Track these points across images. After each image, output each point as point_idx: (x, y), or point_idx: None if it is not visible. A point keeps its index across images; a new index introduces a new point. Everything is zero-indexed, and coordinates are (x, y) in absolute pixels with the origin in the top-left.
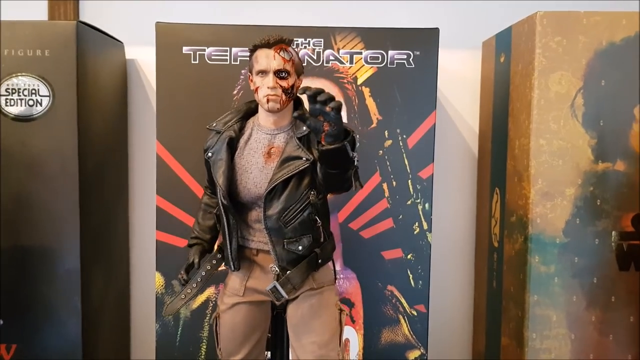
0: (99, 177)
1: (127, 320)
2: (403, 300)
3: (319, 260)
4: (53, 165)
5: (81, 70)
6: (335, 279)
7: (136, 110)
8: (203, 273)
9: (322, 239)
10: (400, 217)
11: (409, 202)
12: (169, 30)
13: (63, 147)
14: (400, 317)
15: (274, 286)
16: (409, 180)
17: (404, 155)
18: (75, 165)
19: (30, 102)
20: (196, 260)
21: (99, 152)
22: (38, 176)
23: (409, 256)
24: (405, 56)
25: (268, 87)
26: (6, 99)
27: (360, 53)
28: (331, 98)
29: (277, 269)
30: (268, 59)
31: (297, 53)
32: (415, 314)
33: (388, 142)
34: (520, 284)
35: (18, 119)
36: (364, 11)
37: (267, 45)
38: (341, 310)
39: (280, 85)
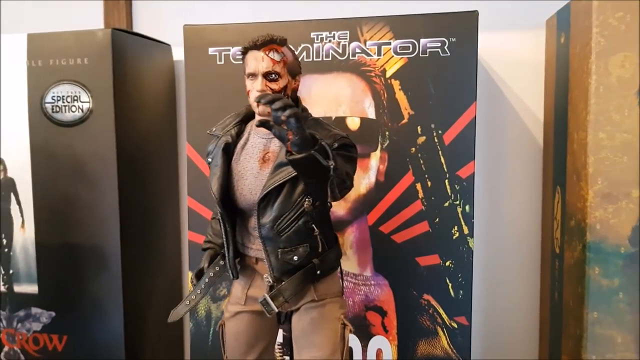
0: (142, 178)
1: (181, 319)
2: (441, 311)
3: (318, 272)
4: (94, 167)
5: (118, 76)
6: (343, 290)
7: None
8: (206, 280)
9: (320, 249)
10: (437, 220)
11: (446, 204)
12: (195, 32)
13: (103, 150)
14: (439, 328)
15: (264, 299)
16: (446, 180)
17: (440, 152)
18: (114, 168)
19: (73, 109)
20: (206, 266)
21: (141, 154)
22: (82, 178)
23: (447, 263)
24: (439, 44)
25: (257, 91)
26: (52, 106)
27: (389, 43)
28: (287, 105)
29: (270, 280)
30: (257, 61)
31: (292, 52)
32: (456, 326)
33: (421, 139)
34: (579, 298)
35: (63, 124)
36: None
37: (256, 46)
38: (344, 325)
39: (270, 88)
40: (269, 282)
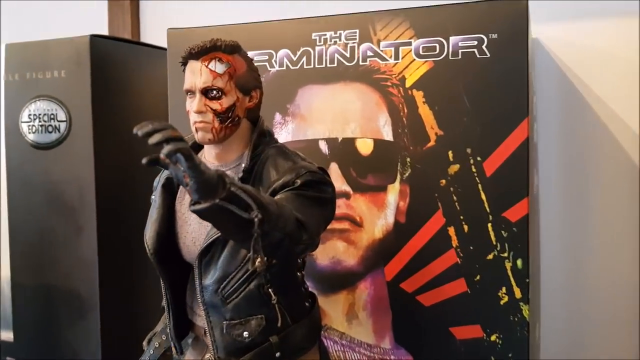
0: (126, 210)
1: None
2: None
3: (277, 354)
4: (71, 196)
5: (98, 90)
6: None
7: None
8: (151, 351)
9: (280, 323)
10: (477, 277)
11: (490, 257)
12: (179, 36)
13: (80, 177)
14: None
15: None
16: (489, 224)
17: (480, 186)
18: (93, 198)
19: (50, 128)
20: (157, 330)
21: (126, 181)
22: (59, 208)
23: (492, 337)
24: (475, 42)
25: (194, 112)
26: (28, 125)
27: (410, 44)
28: (169, 139)
29: None
30: (194, 74)
31: (247, 61)
32: None
33: (454, 168)
34: None
35: (38, 146)
36: None
37: (192, 55)
38: None
39: (212, 109)
40: None
